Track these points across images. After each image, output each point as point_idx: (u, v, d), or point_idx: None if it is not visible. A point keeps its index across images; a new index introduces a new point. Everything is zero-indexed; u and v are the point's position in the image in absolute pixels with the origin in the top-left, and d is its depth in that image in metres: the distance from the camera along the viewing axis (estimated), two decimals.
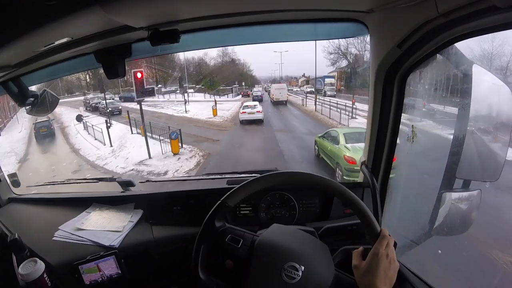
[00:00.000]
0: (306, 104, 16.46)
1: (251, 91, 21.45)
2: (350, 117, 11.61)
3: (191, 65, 22.84)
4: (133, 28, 0.77)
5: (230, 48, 22.46)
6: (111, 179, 1.38)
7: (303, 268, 0.69)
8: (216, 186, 1.27)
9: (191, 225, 1.13)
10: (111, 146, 9.81)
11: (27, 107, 1.13)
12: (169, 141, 8.86)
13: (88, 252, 1.03)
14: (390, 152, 1.10)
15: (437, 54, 0.84)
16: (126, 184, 1.36)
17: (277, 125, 12.25)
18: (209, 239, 0.77)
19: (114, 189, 1.39)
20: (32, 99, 1.11)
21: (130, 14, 0.68)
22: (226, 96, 21.51)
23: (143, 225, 1.19)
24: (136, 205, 1.26)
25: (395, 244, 0.72)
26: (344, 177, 5.63)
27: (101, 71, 1.02)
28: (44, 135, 11.30)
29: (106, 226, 1.15)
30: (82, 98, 17.57)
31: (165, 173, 7.73)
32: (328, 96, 16.88)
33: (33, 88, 1.15)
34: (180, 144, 8.99)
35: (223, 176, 1.30)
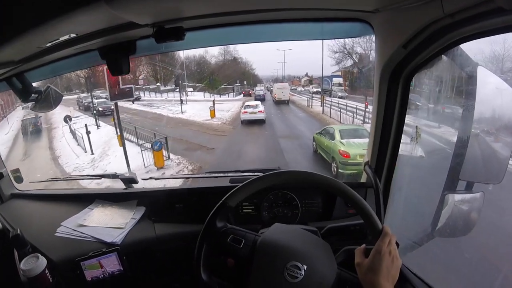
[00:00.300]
0: (312, 106, 15.42)
1: (253, 90, 21.07)
2: (363, 122, 10.30)
3: (192, 63, 22.57)
4: (138, 25, 0.77)
5: (232, 46, 22.17)
6: (114, 176, 1.38)
7: (305, 267, 0.69)
8: (219, 184, 1.27)
9: (193, 223, 1.13)
10: (92, 154, 8.76)
11: (31, 103, 1.13)
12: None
13: (90, 248, 1.03)
14: (393, 152, 1.09)
15: (442, 55, 0.83)
16: (129, 181, 1.36)
17: (281, 130, 11.06)
18: (210, 239, 0.77)
19: (116, 186, 1.39)
20: (36, 95, 1.11)
21: (135, 10, 0.68)
22: (226, 95, 21.08)
23: (146, 222, 1.19)
24: (139, 202, 1.26)
25: (397, 244, 0.72)
26: (339, 170, 6.09)
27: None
28: (31, 132, 10.98)
29: (108, 222, 1.16)
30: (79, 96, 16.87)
31: None
32: (338, 98, 15.90)
33: (35, 84, 1.15)
34: (166, 155, 7.74)
35: (226, 174, 1.30)
